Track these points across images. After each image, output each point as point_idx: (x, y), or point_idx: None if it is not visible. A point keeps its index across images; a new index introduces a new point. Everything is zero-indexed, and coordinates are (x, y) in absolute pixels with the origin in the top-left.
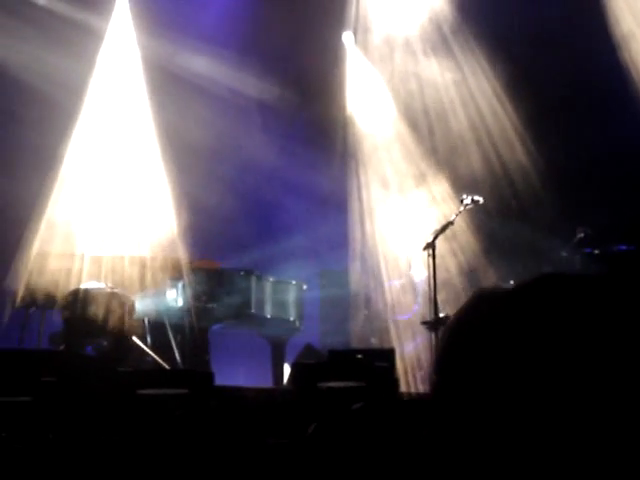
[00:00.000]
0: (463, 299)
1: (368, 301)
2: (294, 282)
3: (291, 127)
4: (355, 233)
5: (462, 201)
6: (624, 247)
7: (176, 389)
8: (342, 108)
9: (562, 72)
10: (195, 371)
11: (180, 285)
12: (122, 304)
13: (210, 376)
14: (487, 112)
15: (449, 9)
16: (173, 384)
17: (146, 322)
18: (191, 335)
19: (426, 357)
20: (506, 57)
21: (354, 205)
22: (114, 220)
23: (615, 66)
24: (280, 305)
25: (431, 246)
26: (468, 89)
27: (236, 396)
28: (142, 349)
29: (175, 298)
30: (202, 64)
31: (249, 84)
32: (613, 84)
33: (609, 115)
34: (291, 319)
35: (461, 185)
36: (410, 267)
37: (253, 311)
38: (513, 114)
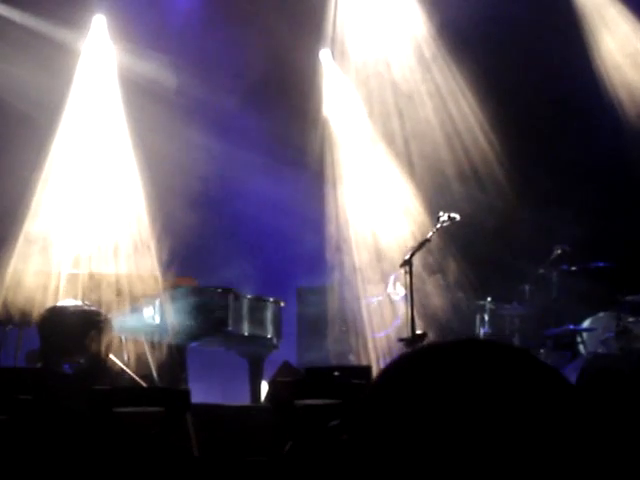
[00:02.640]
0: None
1: (345, 318)
2: (272, 299)
3: (267, 143)
4: (332, 250)
5: (439, 218)
6: (601, 263)
7: (153, 407)
8: (319, 124)
9: (540, 89)
10: (172, 389)
11: (157, 303)
12: (99, 322)
13: (187, 394)
14: (464, 129)
15: (428, 29)
16: (150, 402)
17: (123, 340)
18: (169, 353)
19: None
20: (484, 75)
21: (331, 221)
22: (91, 237)
23: (592, 83)
24: (258, 322)
25: (408, 263)
26: (443, 102)
27: (213, 414)
28: (120, 367)
29: (152, 315)
30: (178, 81)
31: (225, 100)
32: (591, 101)
33: (586, 132)
34: (269, 336)
35: (437, 202)
36: (388, 285)
37: (230, 329)
38: (490, 131)
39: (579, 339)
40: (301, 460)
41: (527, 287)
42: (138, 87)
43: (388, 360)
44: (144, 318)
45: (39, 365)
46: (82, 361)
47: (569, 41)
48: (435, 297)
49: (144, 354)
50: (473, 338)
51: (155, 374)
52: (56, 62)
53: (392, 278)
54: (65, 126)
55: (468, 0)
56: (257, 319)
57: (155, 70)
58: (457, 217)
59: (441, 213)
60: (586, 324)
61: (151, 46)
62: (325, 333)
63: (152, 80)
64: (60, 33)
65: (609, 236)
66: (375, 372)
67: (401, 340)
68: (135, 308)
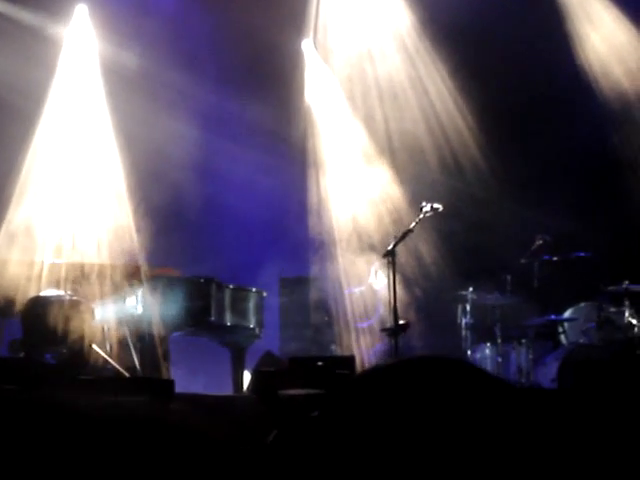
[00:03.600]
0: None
1: (328, 308)
2: (254, 289)
3: (250, 132)
4: (315, 239)
5: (421, 208)
6: (583, 253)
7: (136, 396)
8: (302, 113)
9: (521, 78)
10: (155, 379)
11: (140, 292)
12: (81, 312)
13: (170, 384)
14: (445, 118)
15: (410, 18)
16: (133, 391)
17: (105, 329)
18: (151, 343)
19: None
20: (465, 63)
21: (313, 210)
22: (74, 227)
23: (575, 75)
24: (240, 312)
25: (391, 253)
26: (426, 94)
27: (197, 403)
28: (102, 357)
29: (135, 305)
30: (162, 72)
31: (207, 88)
32: (573, 93)
33: (568, 123)
34: (251, 326)
35: (419, 191)
36: (370, 274)
37: (213, 319)
38: (471, 119)
39: (560, 329)
40: (284, 450)
41: (509, 277)
42: (119, 76)
43: (371, 351)
44: (126, 308)
45: (22, 355)
46: (65, 351)
47: (552, 33)
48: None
49: (127, 344)
50: (425, 356)
51: (138, 364)
52: (38, 51)
53: (374, 268)
54: (48, 115)
55: None
56: (239, 309)
57: (136, 58)
58: (440, 207)
59: (424, 203)
60: (567, 314)
61: (132, 34)
62: (308, 323)
63: (133, 69)
64: (42, 22)
65: (590, 226)
66: (358, 362)
67: (384, 330)
68: (117, 298)
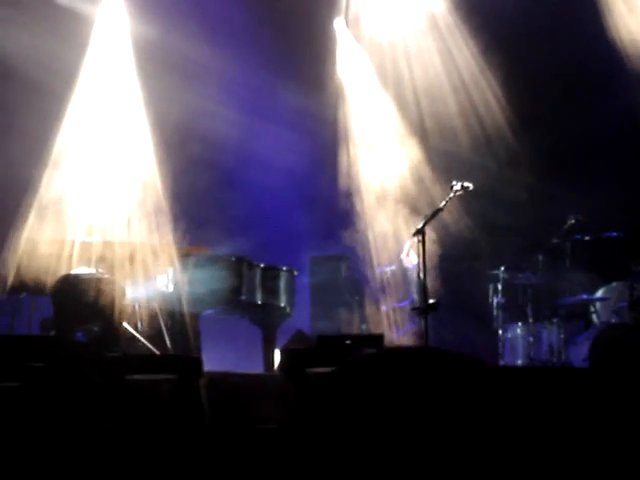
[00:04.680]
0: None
1: (359, 287)
2: (285, 268)
3: (281, 110)
4: (346, 217)
5: (452, 187)
6: (615, 233)
7: (164, 374)
8: (333, 90)
9: (553, 59)
10: (183, 357)
11: (171, 271)
12: (112, 290)
13: (198, 362)
14: (477, 96)
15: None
16: (161, 370)
17: (137, 308)
18: (182, 321)
19: (417, 342)
20: (497, 41)
21: (345, 188)
22: (105, 205)
23: (606, 53)
24: (271, 291)
25: (421, 232)
26: (458, 72)
27: (225, 382)
28: (133, 335)
29: (166, 284)
30: (193, 50)
31: (241, 69)
32: (604, 71)
33: (600, 101)
34: (282, 305)
35: (450, 169)
36: (402, 252)
37: (244, 297)
38: (502, 98)
39: (592, 309)
40: (312, 428)
41: (540, 257)
42: (151, 54)
43: (401, 330)
44: (157, 286)
45: (53, 333)
46: (96, 329)
47: (584, 8)
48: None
49: (158, 322)
50: (425, 348)
51: (169, 342)
52: (70, 30)
53: (407, 245)
54: (79, 93)
55: None
56: (270, 288)
57: (167, 36)
58: (470, 186)
59: (454, 182)
60: (599, 294)
61: (164, 12)
62: (338, 302)
63: (165, 47)
64: (74, 1)
65: (622, 206)
66: (388, 341)
67: (414, 309)
68: (148, 276)
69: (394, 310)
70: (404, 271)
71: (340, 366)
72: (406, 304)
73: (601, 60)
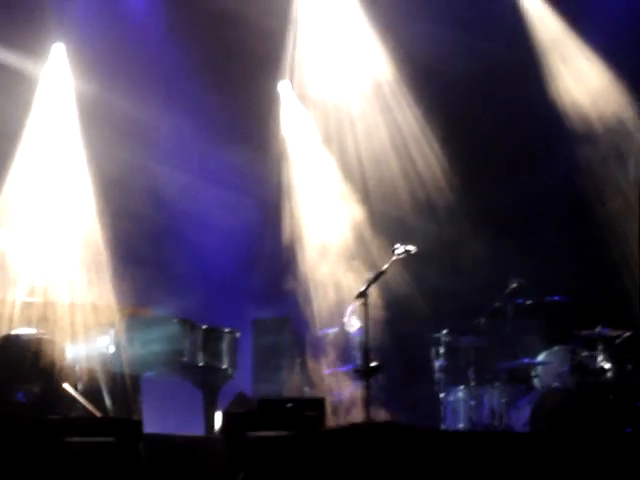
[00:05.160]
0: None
1: (301, 350)
2: (227, 329)
3: (225, 172)
4: (288, 282)
5: (394, 250)
6: (557, 298)
7: (104, 437)
8: (276, 152)
9: (497, 124)
10: (123, 419)
11: (112, 332)
12: (53, 350)
13: (138, 424)
14: (419, 160)
15: (386, 63)
16: (101, 432)
17: (77, 369)
18: (123, 383)
19: (357, 405)
20: (440, 105)
21: (287, 252)
22: (46, 265)
23: (550, 118)
24: (213, 353)
25: (364, 295)
26: (401, 136)
27: (165, 444)
28: (73, 396)
29: (107, 345)
30: (136, 109)
31: (184, 129)
32: (548, 136)
33: (543, 166)
34: (224, 367)
35: (392, 231)
36: (345, 315)
37: (186, 359)
38: (445, 162)
39: (534, 373)
40: None
41: (483, 320)
42: (94, 113)
43: (342, 393)
44: (98, 347)
45: None
46: (36, 390)
47: (528, 76)
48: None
49: (98, 383)
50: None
51: (109, 404)
52: (15, 89)
53: (349, 310)
54: (23, 152)
55: (428, 37)
56: (213, 349)
57: (111, 97)
58: (413, 249)
59: (397, 245)
60: (541, 358)
61: (109, 74)
62: (281, 365)
63: (109, 107)
64: (19, 61)
65: (564, 271)
66: (329, 404)
67: (356, 371)
68: (89, 337)
69: (336, 374)
70: (346, 335)
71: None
72: (349, 368)
73: (543, 122)
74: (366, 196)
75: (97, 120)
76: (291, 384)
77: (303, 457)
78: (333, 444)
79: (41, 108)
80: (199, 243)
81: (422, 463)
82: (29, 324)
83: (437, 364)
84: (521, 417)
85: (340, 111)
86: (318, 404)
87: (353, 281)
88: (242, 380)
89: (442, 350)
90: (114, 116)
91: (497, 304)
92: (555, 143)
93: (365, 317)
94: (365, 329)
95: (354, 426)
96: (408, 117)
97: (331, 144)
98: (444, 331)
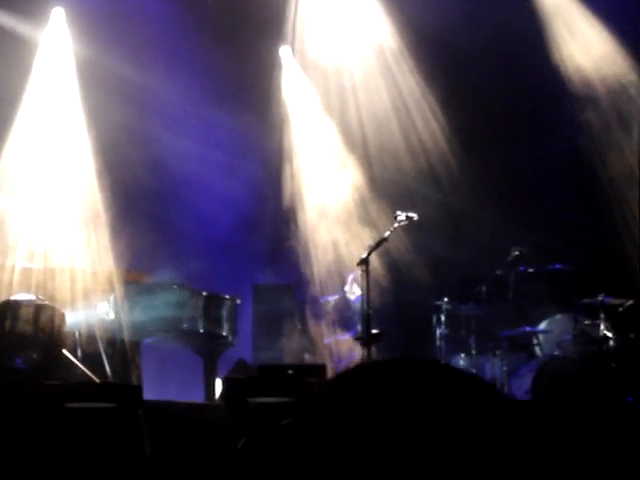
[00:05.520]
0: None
1: (302, 317)
2: (228, 296)
3: (226, 141)
4: (290, 248)
5: (396, 217)
6: (559, 266)
7: (103, 403)
8: (277, 117)
9: (501, 92)
10: (123, 385)
11: (112, 298)
12: (52, 317)
13: (138, 390)
14: (422, 127)
15: (388, 27)
16: (100, 398)
17: (77, 335)
18: (122, 349)
19: None
20: (443, 73)
21: (289, 218)
22: (46, 231)
23: (554, 87)
24: (213, 320)
25: (365, 262)
26: (404, 102)
27: (165, 411)
28: (72, 362)
29: (107, 311)
30: (136, 73)
31: (185, 95)
32: (551, 105)
33: (546, 135)
34: (224, 334)
35: (394, 200)
36: (346, 283)
37: (185, 326)
38: (448, 129)
39: (535, 341)
40: (253, 457)
41: (484, 288)
42: (94, 78)
43: (343, 360)
44: (98, 313)
45: None
46: (35, 356)
47: (532, 43)
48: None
49: (98, 349)
50: (409, 357)
51: (108, 370)
52: (14, 54)
53: (350, 277)
54: (23, 117)
55: (431, 2)
56: (213, 316)
57: (112, 62)
58: (415, 216)
59: (399, 212)
60: (542, 326)
61: (108, 38)
62: (281, 331)
63: (109, 71)
64: (18, 25)
65: (566, 238)
66: (330, 371)
67: (357, 339)
68: (89, 303)
69: (337, 341)
70: (347, 302)
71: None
72: (349, 335)
73: (546, 89)
74: (367, 162)
75: (96, 84)
76: (291, 351)
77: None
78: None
79: (40, 72)
80: (199, 208)
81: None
82: (28, 290)
83: (438, 332)
84: (522, 385)
85: (341, 76)
86: (319, 370)
87: (354, 247)
88: (242, 347)
89: (443, 318)
90: (113, 80)
91: (499, 272)
92: (558, 110)
93: (366, 284)
94: (366, 296)
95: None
96: (410, 83)
97: (332, 109)
98: (445, 299)
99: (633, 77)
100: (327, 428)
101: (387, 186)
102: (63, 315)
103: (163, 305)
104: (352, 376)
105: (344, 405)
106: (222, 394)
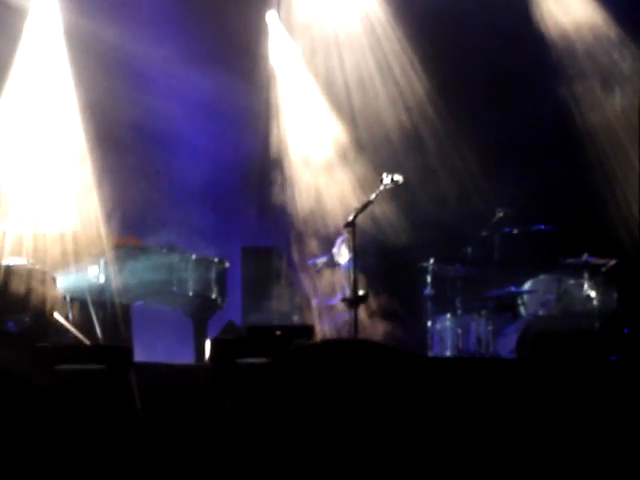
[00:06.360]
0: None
1: (290, 279)
2: (216, 259)
3: (210, 101)
4: (280, 207)
5: (382, 180)
6: (543, 226)
7: (94, 364)
8: (264, 81)
9: (483, 49)
10: (113, 346)
11: (102, 262)
12: (43, 280)
13: (129, 352)
14: (407, 89)
15: None
16: (91, 360)
17: (68, 298)
18: (113, 312)
19: (345, 334)
20: (426, 34)
21: (276, 179)
22: (36, 196)
23: (535, 49)
24: (202, 282)
25: (352, 225)
26: (388, 64)
27: (156, 372)
28: (63, 325)
29: (97, 275)
30: (122, 39)
31: (171, 59)
32: (533, 65)
33: (529, 95)
34: (213, 297)
35: (380, 161)
36: (335, 245)
37: (175, 289)
38: (433, 91)
39: (520, 301)
40: (241, 417)
41: (469, 249)
42: (81, 43)
43: (332, 321)
44: (88, 277)
45: None
46: (26, 319)
47: (516, 5)
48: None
49: (88, 313)
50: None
51: (99, 333)
52: (3, 21)
53: (339, 240)
54: (12, 85)
55: None
56: (202, 279)
57: (101, 29)
58: (400, 179)
59: (384, 175)
60: (527, 286)
61: (95, 4)
62: (270, 293)
63: (96, 38)
64: None
65: (550, 199)
66: (318, 332)
67: (344, 300)
68: (80, 267)
69: (324, 303)
70: (335, 264)
71: (273, 358)
72: (337, 298)
73: (531, 52)
74: (353, 123)
75: (83, 49)
76: (280, 313)
77: (283, 381)
78: (308, 361)
79: (30, 40)
80: (186, 171)
81: (408, 388)
82: (19, 254)
83: (424, 293)
84: (508, 344)
85: (327, 39)
86: (307, 331)
87: (340, 208)
88: (232, 310)
89: (429, 279)
90: (100, 44)
91: (484, 233)
92: (543, 74)
93: (353, 247)
94: (353, 259)
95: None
96: (395, 45)
97: (318, 72)
98: (431, 260)
99: (615, 41)
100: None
101: (372, 147)
102: (54, 279)
103: (153, 268)
104: (316, 348)
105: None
106: (211, 355)
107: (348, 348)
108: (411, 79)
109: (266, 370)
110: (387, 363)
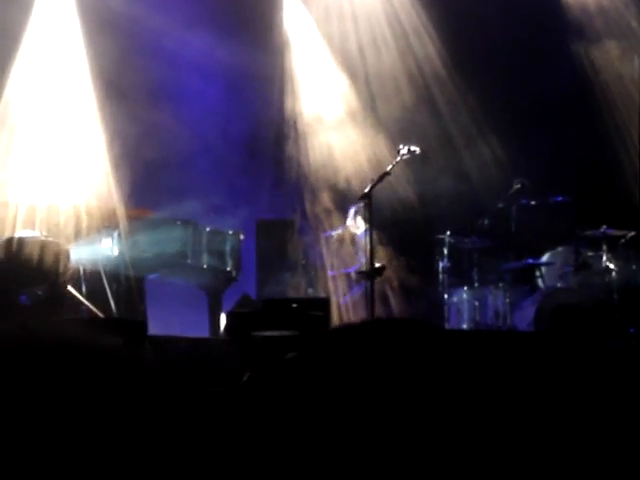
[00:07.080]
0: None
1: (305, 251)
2: (231, 231)
3: (227, 74)
4: (293, 179)
5: (399, 151)
6: (561, 198)
7: (108, 337)
8: (277, 51)
9: (501, 19)
10: (127, 320)
11: (116, 234)
12: (57, 253)
13: (143, 325)
14: (424, 60)
15: None
16: (105, 333)
17: (81, 271)
18: (127, 285)
19: (362, 306)
20: (447, 12)
21: (291, 153)
22: (49, 168)
23: (552, 19)
24: (217, 255)
25: (367, 196)
26: (405, 35)
27: (171, 345)
28: (77, 298)
29: (110, 247)
30: (136, 8)
31: (180, 28)
32: (552, 36)
33: (547, 66)
34: (228, 269)
35: (394, 130)
36: (348, 217)
37: (189, 261)
38: (450, 62)
39: (538, 273)
40: (258, 391)
41: (486, 221)
42: (96, 15)
43: (347, 293)
44: (102, 250)
45: None
46: (40, 292)
47: None
48: None
49: (102, 285)
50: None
51: (113, 306)
52: None
53: (352, 211)
54: (24, 55)
55: None
56: (216, 251)
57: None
58: (417, 150)
59: (401, 146)
60: (545, 258)
61: None
62: (285, 266)
63: (107, 4)
64: None
65: (568, 170)
66: (334, 304)
67: (360, 273)
68: (93, 239)
69: (341, 275)
70: (351, 236)
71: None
72: (353, 269)
73: (548, 20)
74: (370, 97)
75: (96, 17)
76: (295, 285)
77: (309, 356)
78: (341, 342)
79: (42, 10)
80: (201, 142)
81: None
82: (33, 227)
83: (441, 265)
84: (525, 317)
85: (341, 4)
86: (323, 304)
87: (356, 179)
88: (246, 283)
89: (446, 251)
90: (112, 12)
91: (500, 205)
92: (560, 41)
93: (369, 218)
94: (369, 230)
95: (365, 323)
96: (410, 12)
97: (333, 43)
98: (448, 232)
99: (633, 10)
100: (330, 366)
101: (388, 116)
102: (67, 251)
103: (167, 241)
104: (360, 327)
105: (347, 349)
106: (226, 328)
107: (399, 328)
108: (426, 45)
109: (290, 343)
110: (408, 339)
